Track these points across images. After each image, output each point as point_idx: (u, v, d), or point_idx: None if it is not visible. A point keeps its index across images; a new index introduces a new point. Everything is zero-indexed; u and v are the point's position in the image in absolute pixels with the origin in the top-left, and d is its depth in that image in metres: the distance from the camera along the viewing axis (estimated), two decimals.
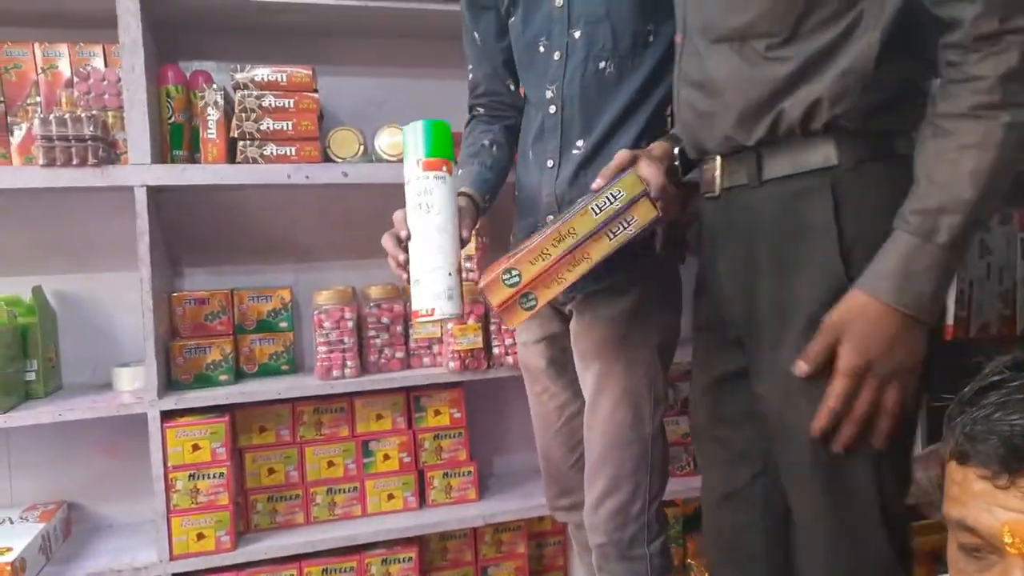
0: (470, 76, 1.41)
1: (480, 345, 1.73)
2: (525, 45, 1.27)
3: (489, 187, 1.30)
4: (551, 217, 1.22)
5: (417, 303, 1.05)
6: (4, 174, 1.50)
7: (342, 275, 1.89)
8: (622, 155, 1.10)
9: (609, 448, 1.24)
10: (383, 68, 1.93)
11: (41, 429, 1.68)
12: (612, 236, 1.01)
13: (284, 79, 1.66)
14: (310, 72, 1.68)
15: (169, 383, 1.67)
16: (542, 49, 1.24)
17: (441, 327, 1.76)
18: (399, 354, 1.78)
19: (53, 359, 1.72)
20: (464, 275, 1.79)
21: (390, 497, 1.79)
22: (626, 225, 1.00)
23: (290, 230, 1.88)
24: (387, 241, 1.11)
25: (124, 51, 1.53)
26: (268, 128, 1.64)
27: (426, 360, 1.80)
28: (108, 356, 1.77)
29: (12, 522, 1.64)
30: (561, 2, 1.21)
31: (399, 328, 1.78)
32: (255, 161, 1.63)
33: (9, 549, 1.50)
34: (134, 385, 1.67)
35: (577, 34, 1.20)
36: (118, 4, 1.52)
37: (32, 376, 1.63)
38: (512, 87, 1.38)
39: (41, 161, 1.49)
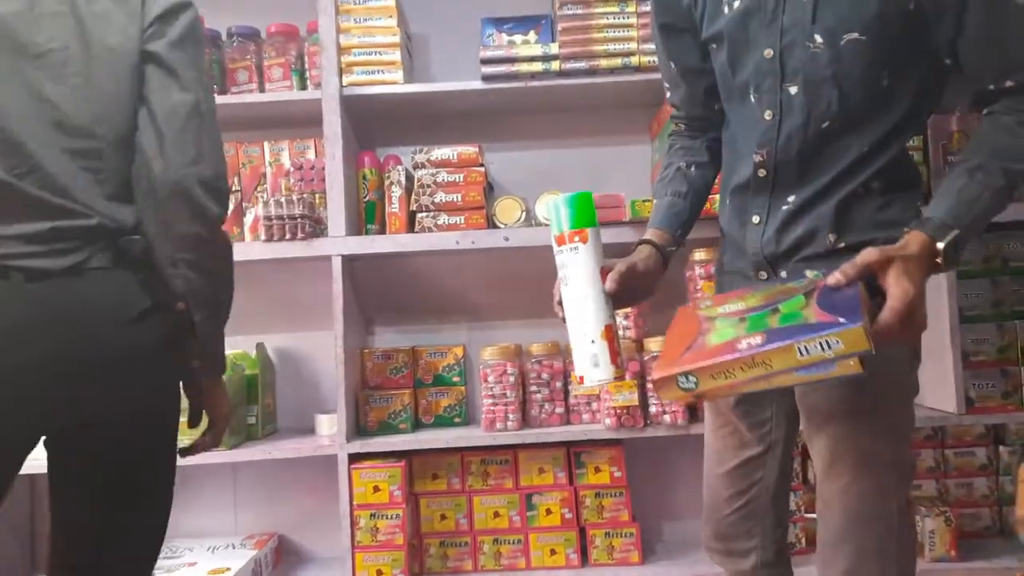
0: (667, 95, 1.29)
1: (636, 402, 1.73)
2: (736, 88, 1.13)
3: (682, 219, 1.21)
4: (763, 274, 1.10)
5: (576, 369, 1.06)
6: (238, 249, 1.83)
7: (510, 334, 2.01)
8: (867, 258, 0.91)
9: (851, 523, 1.08)
10: (545, 140, 2.08)
11: (260, 467, 1.97)
12: (803, 372, 0.89)
13: (455, 156, 1.85)
14: (477, 149, 1.86)
15: (358, 429, 1.88)
16: (752, 100, 1.09)
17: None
18: (559, 409, 1.84)
19: (271, 405, 2.02)
20: (621, 332, 1.82)
21: (552, 552, 1.82)
22: (823, 368, 0.88)
23: (463, 292, 2.05)
24: (556, 308, 1.10)
25: (327, 143, 1.82)
26: (441, 200, 1.83)
27: (585, 416, 1.83)
28: (314, 404, 2.04)
29: (234, 547, 1.92)
30: (771, 53, 1.05)
31: (559, 384, 1.85)
32: (430, 230, 1.83)
33: (228, 569, 1.77)
34: (331, 430, 1.90)
35: (794, 90, 1.04)
36: (323, 104, 1.82)
37: (253, 419, 1.93)
38: (717, 107, 1.21)
39: (263, 237, 1.81)
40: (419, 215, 1.84)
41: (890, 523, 1.06)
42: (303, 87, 1.96)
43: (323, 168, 1.87)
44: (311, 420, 2.00)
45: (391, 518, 1.77)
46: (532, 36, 1.96)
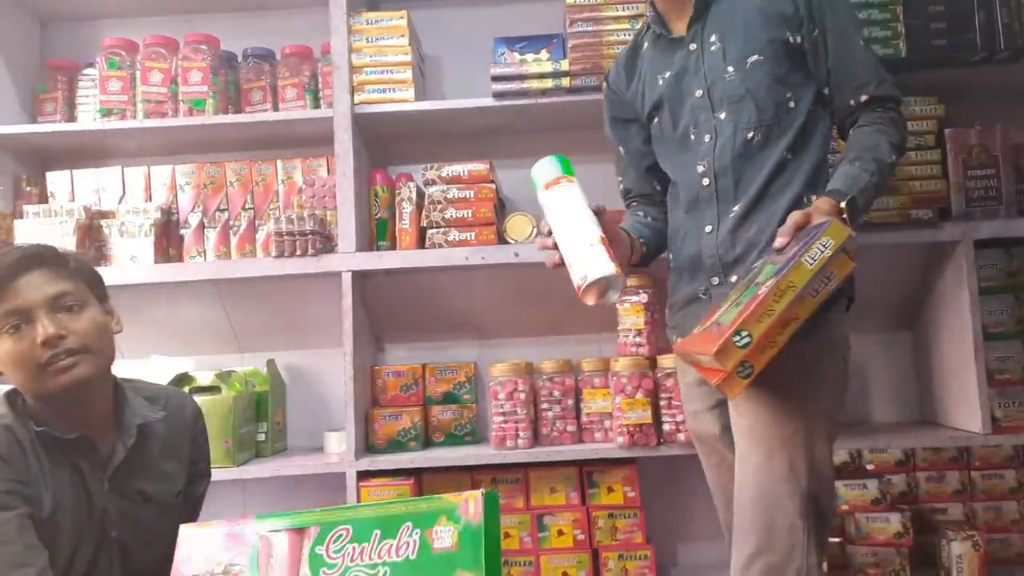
0: (620, 186, 1.54)
1: (649, 420, 1.70)
2: (678, 139, 1.37)
3: (647, 234, 1.42)
4: (715, 279, 1.29)
5: (575, 283, 1.11)
6: (249, 265, 1.86)
7: (521, 351, 1.99)
8: (796, 216, 1.14)
9: (762, 500, 1.16)
10: None
11: (270, 484, 1.96)
12: (816, 293, 1.03)
13: (466, 173, 1.85)
14: (487, 165, 1.86)
15: (367, 447, 1.86)
16: (693, 137, 1.34)
17: (612, 401, 1.76)
18: (571, 427, 1.80)
19: (280, 423, 2.01)
20: (634, 349, 1.79)
21: (564, 575, 1.78)
22: (827, 280, 1.03)
23: (473, 309, 2.03)
24: (537, 240, 1.23)
25: (338, 160, 1.84)
26: (452, 216, 1.83)
27: (597, 435, 1.80)
28: (323, 421, 2.03)
29: None
30: (700, 92, 1.32)
31: (571, 402, 1.82)
32: (440, 246, 1.82)
33: None
34: (340, 448, 1.89)
35: (723, 115, 1.30)
36: (335, 122, 1.84)
37: (263, 436, 1.92)
38: (659, 187, 1.48)
39: (273, 253, 1.81)
40: (430, 231, 1.84)
41: (801, 504, 1.13)
42: (316, 106, 1.98)
43: (335, 185, 1.88)
44: (321, 437, 1.98)
45: None
46: (544, 55, 1.96)
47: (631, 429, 1.71)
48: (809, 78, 1.30)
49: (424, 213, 1.86)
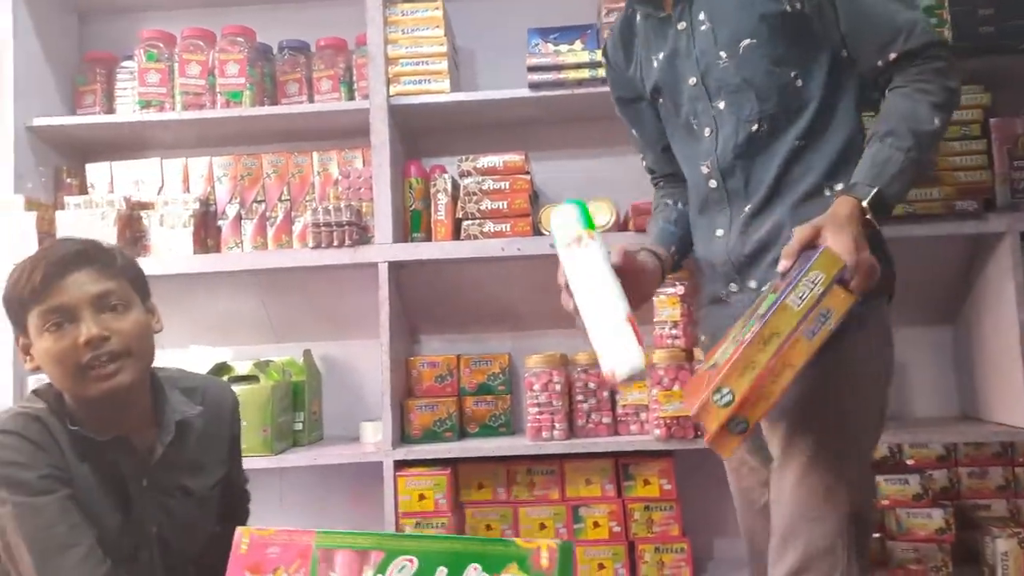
0: (644, 164, 1.44)
1: (687, 413, 1.68)
2: (682, 126, 1.26)
3: (675, 239, 1.30)
4: (733, 286, 1.19)
5: (602, 368, 1.03)
6: (286, 256, 1.87)
7: (555, 342, 1.98)
8: (802, 233, 1.00)
9: (800, 519, 1.09)
10: (591, 149, 2.06)
11: (306, 473, 1.98)
12: (812, 335, 0.90)
13: (501, 164, 1.85)
14: (523, 156, 1.86)
15: (403, 437, 1.87)
16: (695, 128, 1.22)
17: (648, 393, 1.75)
18: (606, 419, 1.80)
19: (317, 413, 2.02)
20: (670, 341, 1.78)
21: (600, 567, 1.77)
22: (824, 319, 0.90)
23: (507, 301, 2.03)
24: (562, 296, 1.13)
25: (374, 152, 1.84)
26: (487, 208, 1.83)
27: (633, 427, 1.79)
28: (358, 412, 2.04)
29: None
30: (694, 80, 1.20)
31: (606, 394, 1.81)
32: (476, 237, 1.82)
33: None
34: (376, 438, 1.90)
35: (721, 105, 1.17)
36: (371, 114, 1.84)
37: (300, 426, 1.94)
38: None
39: (311, 244, 1.83)
40: (465, 223, 1.84)
41: (841, 522, 1.06)
42: (351, 98, 1.98)
43: (370, 177, 1.89)
44: (356, 428, 1.99)
45: (437, 527, 1.75)
46: (578, 45, 1.95)
47: (668, 421, 1.70)
48: (818, 47, 1.13)
49: (459, 204, 1.85)
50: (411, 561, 0.85)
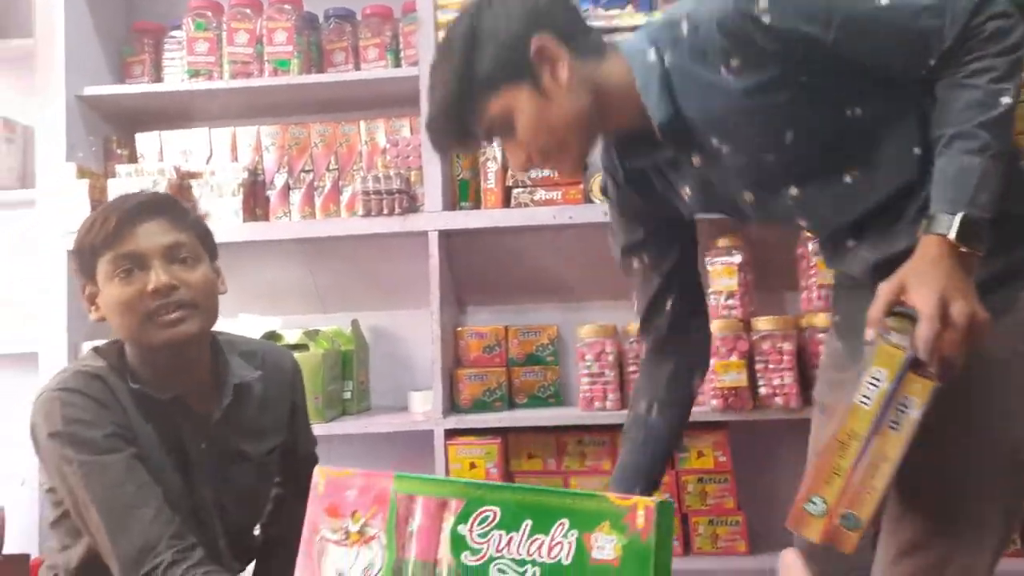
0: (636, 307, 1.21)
1: (744, 383, 1.65)
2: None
3: (641, 475, 1.13)
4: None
5: None
6: (335, 224, 1.87)
7: (604, 314, 1.94)
8: (885, 292, 0.85)
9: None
10: None
11: (355, 442, 1.97)
12: (898, 426, 0.82)
13: None
14: None
15: (452, 407, 1.86)
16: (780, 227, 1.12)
17: None
18: None
19: (364, 382, 2.02)
20: (727, 312, 1.74)
21: None
22: (904, 409, 0.82)
23: (556, 271, 2.01)
24: None
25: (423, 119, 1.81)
26: (538, 175, 1.80)
27: None
28: (405, 383, 2.03)
29: None
30: (751, 196, 1.02)
31: None
32: (526, 205, 1.80)
33: None
34: (425, 407, 1.89)
35: (795, 191, 0.99)
36: (421, 81, 1.81)
37: (348, 395, 1.94)
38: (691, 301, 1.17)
39: (360, 212, 1.81)
40: (515, 191, 1.82)
41: (980, 535, 0.91)
42: (397, 66, 1.96)
43: (418, 145, 1.87)
44: (403, 399, 1.99)
45: None
46: (630, 9, 1.90)
47: (725, 392, 1.67)
48: (860, 77, 0.94)
49: (510, 172, 1.83)
50: (494, 512, 0.83)
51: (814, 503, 0.85)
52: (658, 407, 1.14)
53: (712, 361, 1.64)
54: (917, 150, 0.93)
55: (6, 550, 1.76)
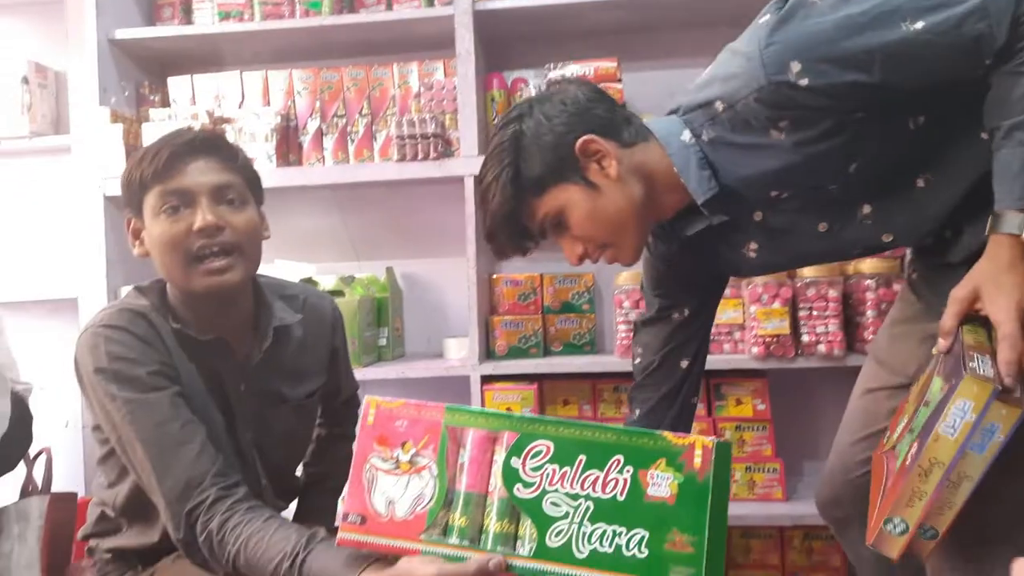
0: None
1: (787, 331, 1.62)
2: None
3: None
4: (948, 232, 1.00)
5: None
6: (370, 169, 1.85)
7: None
8: (956, 301, 0.86)
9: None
10: (684, 59, 1.94)
11: (390, 386, 1.98)
12: (982, 449, 0.82)
13: (591, 72, 1.77)
14: (615, 63, 1.77)
15: (488, 353, 1.85)
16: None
17: (744, 311, 1.69)
18: None
19: (399, 329, 2.02)
20: None
21: None
22: (991, 435, 0.82)
23: None
24: None
25: (459, 61, 1.77)
26: None
27: (727, 346, 1.74)
28: (439, 331, 2.03)
29: None
30: (825, 226, 1.02)
31: None
32: None
33: None
34: (460, 354, 1.89)
35: (867, 209, 1.00)
36: (456, 19, 1.77)
37: (384, 342, 1.94)
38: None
39: (395, 157, 1.79)
40: None
41: None
42: (431, 6, 1.91)
43: (453, 88, 1.83)
44: (437, 346, 1.99)
45: None
46: None
47: (767, 339, 1.64)
48: (916, 93, 0.90)
49: None
50: (547, 446, 0.82)
51: (894, 524, 0.85)
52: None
53: (753, 309, 1.63)
54: (984, 135, 0.90)
55: (53, 490, 1.80)
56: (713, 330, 1.74)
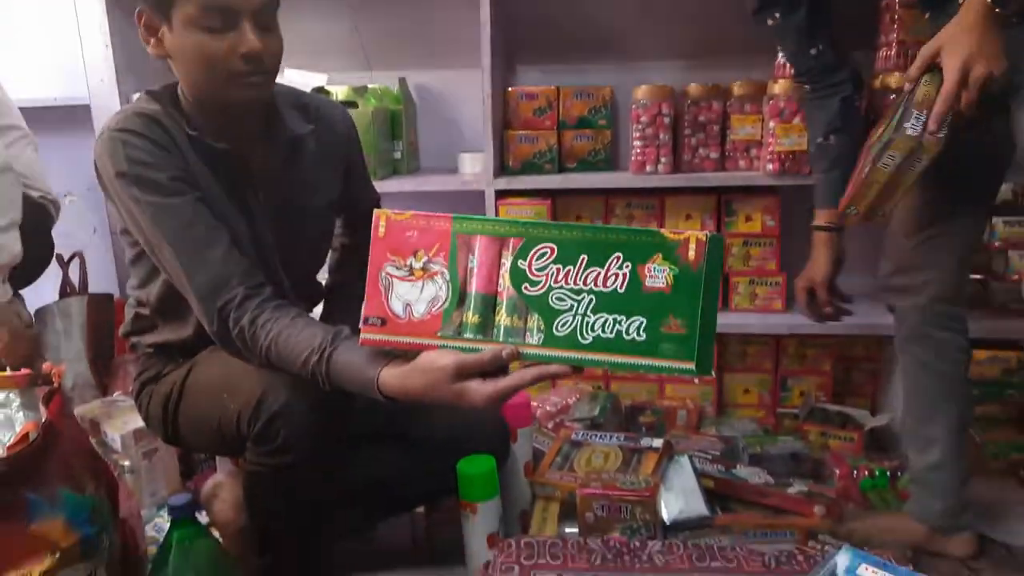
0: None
1: (803, 147, 1.61)
2: None
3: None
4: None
5: None
6: None
7: (662, 75, 1.86)
8: (924, 51, 0.99)
9: None
10: None
11: (404, 201, 2.00)
12: (911, 169, 1.03)
13: None
14: None
15: (502, 168, 1.86)
16: None
17: (763, 127, 1.67)
18: (713, 155, 1.74)
19: (414, 143, 2.02)
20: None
21: None
22: (918, 162, 1.01)
23: (615, 27, 1.88)
24: None
25: None
26: None
27: (742, 163, 1.74)
28: (454, 145, 2.02)
29: None
30: None
31: (716, 128, 1.73)
32: None
33: None
34: (474, 168, 1.90)
35: None
36: None
37: (398, 155, 1.95)
38: None
39: None
40: None
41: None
42: None
43: None
44: (452, 161, 1.99)
45: None
46: None
47: (783, 156, 1.63)
48: None
49: None
50: (551, 248, 0.86)
51: (852, 210, 1.12)
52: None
53: (772, 124, 1.61)
54: None
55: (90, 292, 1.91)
56: (728, 146, 1.75)
